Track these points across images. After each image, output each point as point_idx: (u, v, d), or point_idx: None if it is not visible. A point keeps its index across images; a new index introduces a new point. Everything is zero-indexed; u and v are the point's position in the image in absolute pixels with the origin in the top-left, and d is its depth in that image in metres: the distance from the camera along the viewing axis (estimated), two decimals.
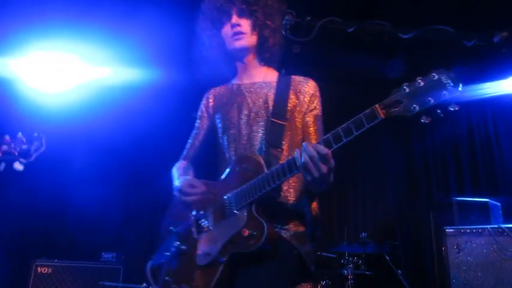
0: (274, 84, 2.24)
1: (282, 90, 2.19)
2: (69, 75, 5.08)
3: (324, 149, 1.69)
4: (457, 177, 5.22)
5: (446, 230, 3.93)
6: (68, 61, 5.00)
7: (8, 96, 4.98)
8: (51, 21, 4.41)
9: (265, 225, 1.84)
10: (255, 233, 1.85)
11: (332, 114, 2.36)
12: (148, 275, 2.17)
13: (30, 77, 5.04)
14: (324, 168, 1.70)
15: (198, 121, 2.42)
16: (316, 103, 2.20)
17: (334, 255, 4.44)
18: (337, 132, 1.70)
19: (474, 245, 3.80)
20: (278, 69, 2.35)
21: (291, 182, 2.06)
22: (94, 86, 5.17)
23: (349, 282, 4.08)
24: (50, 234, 5.14)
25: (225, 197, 2.01)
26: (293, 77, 2.26)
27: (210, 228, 2.03)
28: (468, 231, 3.85)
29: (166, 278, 2.08)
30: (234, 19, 2.21)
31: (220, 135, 2.27)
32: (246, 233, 1.87)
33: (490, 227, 3.79)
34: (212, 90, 2.43)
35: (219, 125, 2.28)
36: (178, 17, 4.40)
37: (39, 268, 4.67)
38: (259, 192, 1.88)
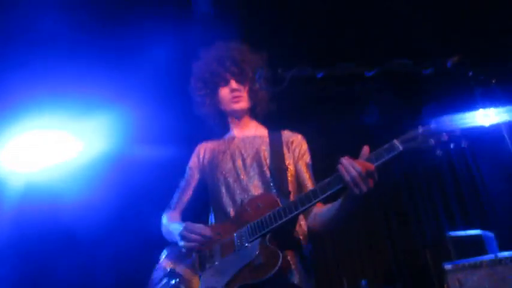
0: (266, 138, 2.45)
1: (275, 144, 2.40)
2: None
3: (370, 165, 1.80)
4: (446, 211, 5.22)
5: (445, 267, 3.87)
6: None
7: None
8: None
9: (279, 253, 1.84)
10: (268, 262, 1.82)
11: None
12: None
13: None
14: (371, 183, 1.81)
15: (188, 172, 2.54)
16: (306, 153, 2.42)
17: None
18: (373, 155, 1.86)
19: (475, 278, 3.73)
20: (264, 123, 2.61)
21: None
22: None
23: None
24: None
25: (235, 233, 2.03)
26: (282, 131, 2.49)
27: (216, 263, 1.99)
28: (466, 265, 3.80)
29: None
30: (234, 85, 2.48)
31: (215, 184, 2.36)
32: (258, 262, 1.84)
33: (487, 259, 3.74)
34: (204, 143, 2.62)
35: (214, 175, 2.39)
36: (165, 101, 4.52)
37: None
38: (275, 222, 1.92)
